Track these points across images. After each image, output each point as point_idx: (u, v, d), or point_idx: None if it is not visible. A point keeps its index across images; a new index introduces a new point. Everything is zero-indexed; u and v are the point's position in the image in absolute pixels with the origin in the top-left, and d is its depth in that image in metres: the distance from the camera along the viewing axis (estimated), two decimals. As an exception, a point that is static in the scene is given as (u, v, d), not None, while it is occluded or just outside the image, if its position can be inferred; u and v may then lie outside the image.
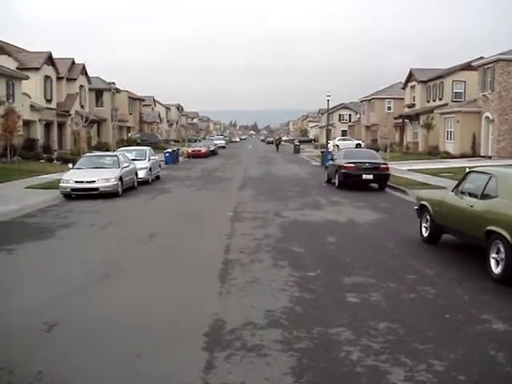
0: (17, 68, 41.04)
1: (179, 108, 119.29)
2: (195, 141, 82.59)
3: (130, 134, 67.92)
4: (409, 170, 31.66)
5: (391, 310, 7.26)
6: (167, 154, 42.76)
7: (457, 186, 10.92)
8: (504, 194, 8.98)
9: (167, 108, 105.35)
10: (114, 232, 13.74)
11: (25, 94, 39.00)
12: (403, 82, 62.15)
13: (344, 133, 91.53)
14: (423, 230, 12.01)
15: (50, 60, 45.76)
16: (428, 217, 11.71)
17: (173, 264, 10.08)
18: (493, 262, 8.82)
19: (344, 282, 8.64)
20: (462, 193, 10.48)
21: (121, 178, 21.13)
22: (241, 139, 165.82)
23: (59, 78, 48.35)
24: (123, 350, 6.01)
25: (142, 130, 76.48)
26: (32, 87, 41.39)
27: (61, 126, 47.78)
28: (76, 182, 20.16)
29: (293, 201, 19.30)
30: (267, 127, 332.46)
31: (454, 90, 49.87)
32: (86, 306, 7.56)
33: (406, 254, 10.85)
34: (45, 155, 37.74)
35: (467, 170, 11.66)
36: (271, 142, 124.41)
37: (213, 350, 5.91)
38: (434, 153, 45.24)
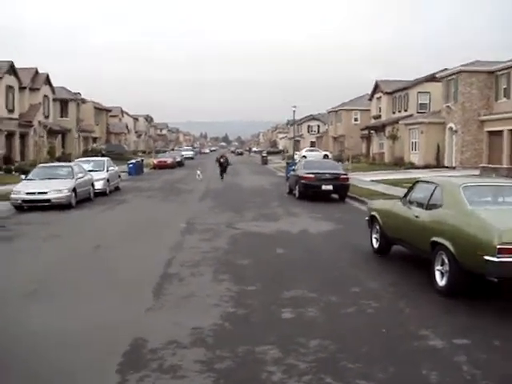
0: (-24, 78, 40.14)
1: (148, 119, 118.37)
2: (164, 152, 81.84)
3: (95, 145, 66.90)
4: (372, 180, 31.59)
5: (326, 326, 6.91)
6: (131, 165, 42.11)
7: (405, 196, 10.65)
8: (448, 204, 8.74)
9: (135, 119, 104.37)
10: (58, 244, 13.18)
11: (-15, 104, 38.16)
12: (370, 93, 62.55)
13: (312, 144, 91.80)
14: (374, 241, 11.72)
15: (11, 69, 44.78)
16: (378, 227, 11.44)
17: (109, 278, 9.58)
18: (437, 274, 8.55)
19: (283, 296, 8.26)
20: (410, 202, 10.20)
21: (74, 189, 20.53)
22: (211, 151, 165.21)
23: (22, 88, 47.34)
24: (29, 373, 5.56)
25: (109, 141, 75.45)
26: (-7, 97, 40.52)
27: (23, 136, 46.80)
28: (27, 193, 19.56)
29: (250, 212, 18.93)
30: (238, 138, 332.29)
31: (419, 102, 50.23)
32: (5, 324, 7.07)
33: (355, 265, 10.53)
34: (5, 166, 36.90)
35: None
36: (240, 154, 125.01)
37: (126, 372, 5.48)
38: (399, 163, 45.39)
